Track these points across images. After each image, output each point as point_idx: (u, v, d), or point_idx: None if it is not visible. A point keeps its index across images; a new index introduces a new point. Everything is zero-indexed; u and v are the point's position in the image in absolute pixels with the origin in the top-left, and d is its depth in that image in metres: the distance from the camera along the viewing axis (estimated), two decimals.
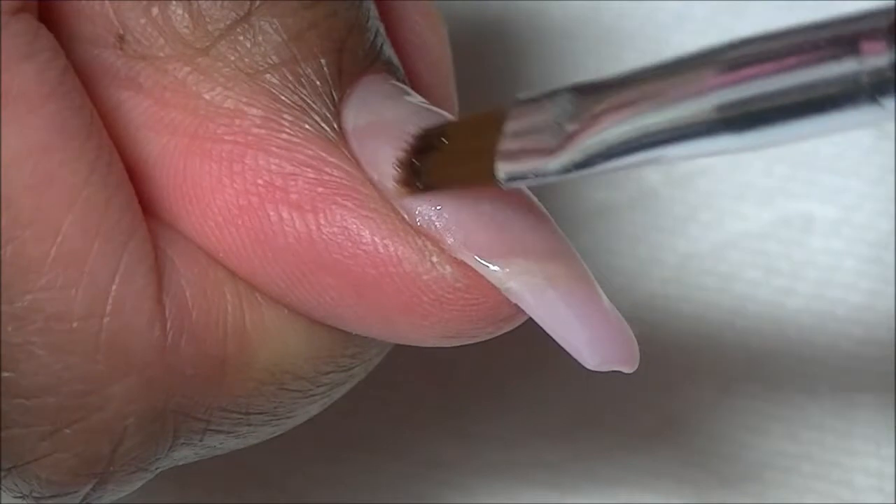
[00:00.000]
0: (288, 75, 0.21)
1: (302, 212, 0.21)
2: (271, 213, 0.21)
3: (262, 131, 0.21)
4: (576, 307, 0.22)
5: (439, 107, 0.24)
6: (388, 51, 0.23)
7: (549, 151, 0.20)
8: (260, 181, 0.21)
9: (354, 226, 0.21)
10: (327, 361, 0.23)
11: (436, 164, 0.22)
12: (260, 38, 0.21)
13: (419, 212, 0.22)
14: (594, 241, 0.37)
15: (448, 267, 0.21)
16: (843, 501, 0.34)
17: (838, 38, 0.17)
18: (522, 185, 0.22)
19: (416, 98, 0.23)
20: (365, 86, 0.22)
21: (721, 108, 0.18)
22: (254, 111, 0.21)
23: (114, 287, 0.21)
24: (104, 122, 0.22)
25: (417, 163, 0.22)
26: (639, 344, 0.35)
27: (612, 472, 0.34)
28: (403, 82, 0.23)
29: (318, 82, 0.22)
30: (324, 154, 0.21)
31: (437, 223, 0.22)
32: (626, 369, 0.23)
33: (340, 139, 0.22)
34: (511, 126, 0.21)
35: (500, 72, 0.38)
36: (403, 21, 0.25)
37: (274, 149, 0.21)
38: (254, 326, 0.22)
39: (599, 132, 0.19)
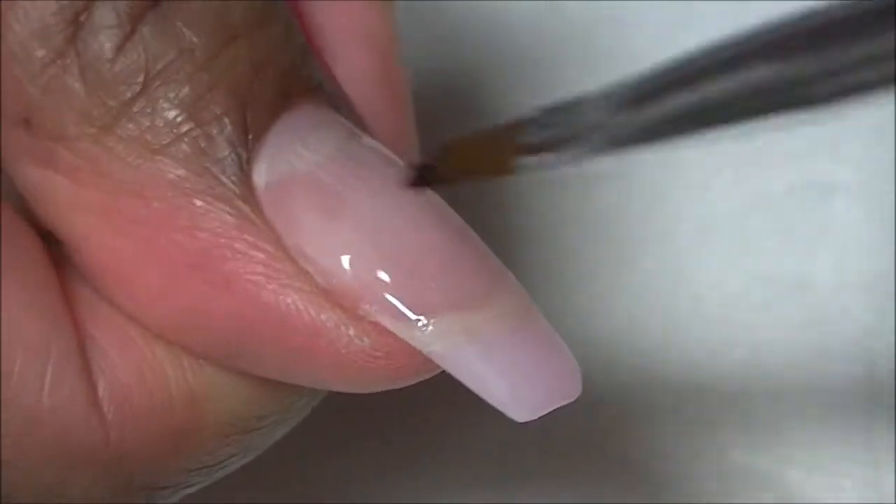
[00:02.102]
0: (190, 146, 0.21)
1: (218, 290, 0.21)
2: (190, 293, 0.21)
3: (171, 209, 0.21)
4: (495, 361, 0.21)
5: (384, 88, 0.23)
6: (308, 70, 0.22)
7: (573, 138, 0.19)
8: (174, 262, 0.21)
9: (269, 303, 0.21)
10: (291, 394, 0.23)
11: (451, 160, 0.21)
12: (159, 111, 0.21)
13: (335, 273, 0.21)
14: (613, 203, 0.37)
15: (366, 338, 0.21)
16: (868, 469, 0.34)
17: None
18: (541, 171, 0.20)
19: (341, 125, 0.22)
20: (276, 135, 0.21)
21: (770, 84, 0.17)
22: (160, 189, 0.21)
23: (44, 400, 0.21)
24: (30, 199, 0.21)
25: (429, 161, 0.21)
26: (656, 310, 0.36)
27: (620, 445, 0.34)
28: (331, 98, 0.22)
29: (223, 146, 0.21)
30: (232, 230, 0.21)
31: (353, 284, 0.21)
32: (564, 403, 0.22)
33: (251, 205, 0.21)
34: (537, 124, 0.20)
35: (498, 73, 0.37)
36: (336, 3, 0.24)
37: (183, 228, 0.21)
38: (202, 392, 0.22)
39: (635, 115, 0.19)
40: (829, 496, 0.34)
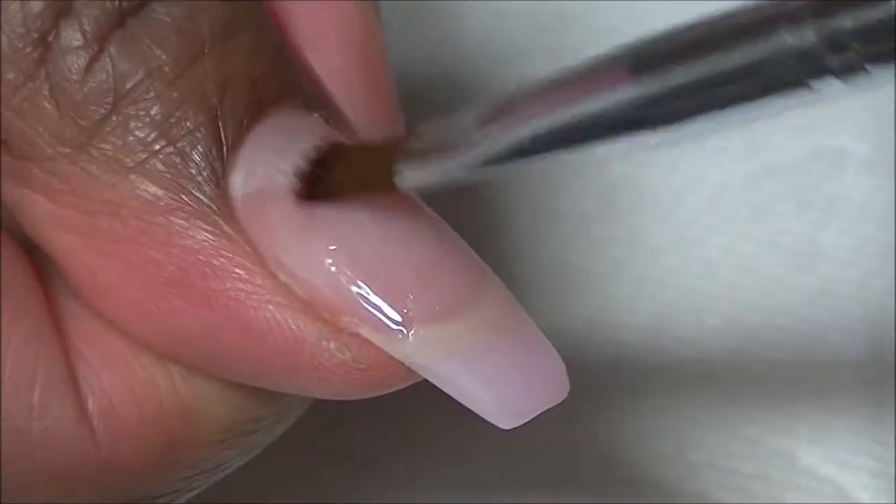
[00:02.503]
0: (164, 163, 0.21)
1: (198, 307, 0.21)
2: (171, 310, 0.21)
3: (147, 227, 0.21)
4: (477, 372, 0.21)
5: (366, 87, 0.23)
6: (283, 74, 0.22)
7: (453, 152, 0.19)
8: (153, 279, 0.21)
9: (250, 319, 0.21)
10: (286, 398, 0.23)
11: (336, 170, 0.21)
12: (132, 129, 0.20)
13: (314, 285, 0.21)
14: (627, 170, 0.37)
15: (347, 351, 0.21)
16: (876, 442, 0.34)
17: (756, 21, 0.16)
18: (420, 186, 0.20)
19: (317, 129, 0.22)
20: (251, 144, 0.21)
21: (634, 104, 0.17)
22: (136, 205, 0.21)
23: (33, 422, 0.21)
24: (12, 214, 0.21)
25: (318, 170, 0.21)
26: (670, 275, 0.36)
27: (627, 417, 0.35)
28: (309, 99, 0.22)
29: (197, 162, 0.21)
30: (209, 247, 0.21)
31: (333, 296, 0.21)
32: (550, 406, 0.22)
33: (227, 220, 0.21)
34: (417, 137, 0.20)
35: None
36: None
37: (160, 245, 0.21)
38: (194, 402, 0.22)
39: (510, 131, 0.19)
40: (837, 472, 0.34)
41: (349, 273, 0.21)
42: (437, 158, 0.20)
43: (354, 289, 0.21)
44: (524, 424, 0.21)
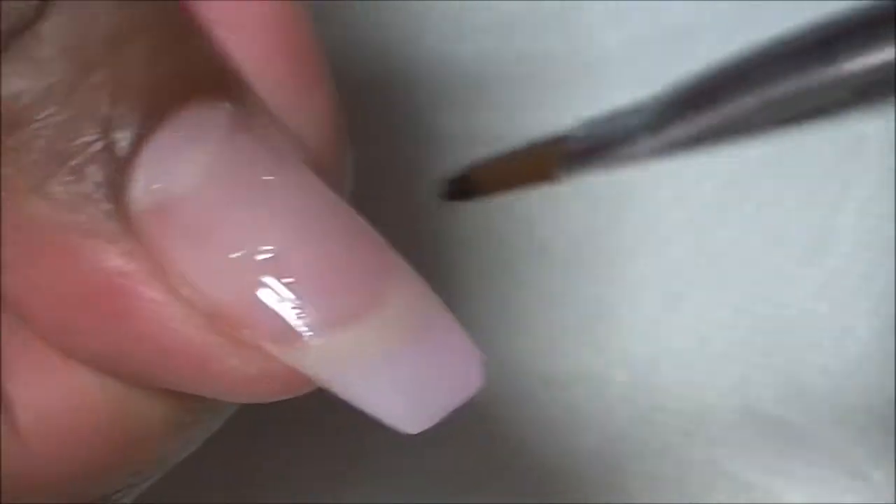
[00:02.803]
0: (60, 183, 0.20)
1: (106, 325, 0.20)
2: (83, 328, 0.21)
3: (49, 248, 0.20)
4: (383, 381, 0.20)
5: (292, 73, 0.23)
6: (191, 70, 0.21)
7: (618, 148, 0.20)
8: (62, 299, 0.21)
9: (154, 336, 0.20)
10: None
11: (488, 171, 0.21)
12: (26, 151, 0.20)
13: (215, 298, 0.20)
14: None
15: (251, 366, 0.20)
16: (875, 441, 0.34)
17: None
18: (589, 175, 0.20)
19: (223, 129, 0.21)
20: (151, 153, 0.20)
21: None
22: (37, 229, 0.20)
23: None
24: None
25: (468, 174, 0.21)
26: (676, 266, 0.35)
27: (637, 409, 0.35)
28: (219, 93, 0.21)
29: (92, 179, 0.20)
30: (109, 266, 0.20)
31: (232, 309, 0.20)
32: (462, 401, 0.21)
33: (126, 237, 0.20)
34: (575, 138, 0.20)
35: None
36: None
37: (64, 266, 0.20)
38: (136, 408, 0.22)
39: (669, 127, 0.19)
40: (836, 471, 0.34)
41: (250, 284, 0.20)
42: (601, 157, 0.20)
43: (253, 300, 0.20)
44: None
